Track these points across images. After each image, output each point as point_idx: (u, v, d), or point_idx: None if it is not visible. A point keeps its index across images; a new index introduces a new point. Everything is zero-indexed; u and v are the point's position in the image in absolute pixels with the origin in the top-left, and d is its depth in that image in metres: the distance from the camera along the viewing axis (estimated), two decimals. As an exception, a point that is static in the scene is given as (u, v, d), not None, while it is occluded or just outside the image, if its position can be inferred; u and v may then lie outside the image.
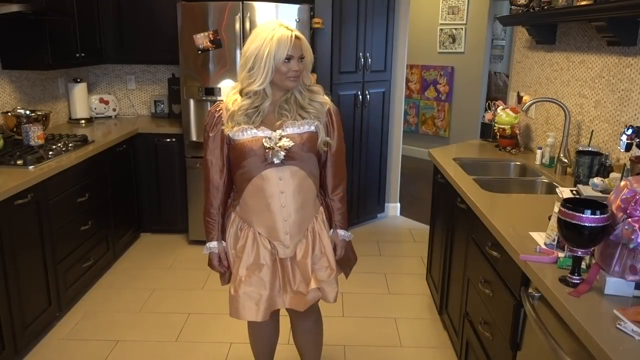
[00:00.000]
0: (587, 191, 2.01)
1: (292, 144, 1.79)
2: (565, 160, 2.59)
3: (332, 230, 2.03)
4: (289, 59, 1.73)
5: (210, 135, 1.87)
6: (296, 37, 1.74)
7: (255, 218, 1.89)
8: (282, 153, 1.78)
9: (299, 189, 1.86)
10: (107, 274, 3.59)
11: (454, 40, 6.50)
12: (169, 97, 4.46)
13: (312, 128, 1.85)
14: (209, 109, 1.91)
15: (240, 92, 1.82)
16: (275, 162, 1.79)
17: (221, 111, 1.85)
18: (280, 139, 1.78)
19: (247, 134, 1.79)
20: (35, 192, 2.62)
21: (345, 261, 2.11)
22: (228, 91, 1.90)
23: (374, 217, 4.76)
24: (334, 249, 2.03)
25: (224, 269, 2.00)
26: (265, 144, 1.78)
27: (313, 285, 1.93)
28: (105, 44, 4.08)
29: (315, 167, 1.94)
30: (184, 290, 3.38)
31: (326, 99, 1.92)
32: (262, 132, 1.80)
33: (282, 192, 1.84)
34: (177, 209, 4.11)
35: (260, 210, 1.87)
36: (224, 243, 1.98)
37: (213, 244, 1.95)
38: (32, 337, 2.69)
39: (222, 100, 1.90)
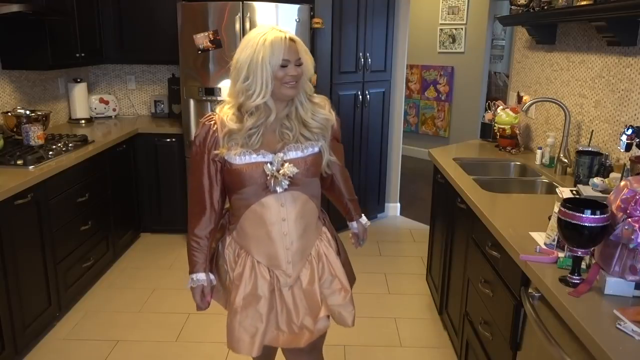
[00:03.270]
0: (587, 191, 2.01)
1: (297, 170, 1.61)
2: (565, 160, 2.59)
3: (353, 221, 1.99)
4: (285, 64, 1.55)
5: (204, 151, 1.64)
6: (290, 39, 1.58)
7: (254, 246, 1.71)
8: (286, 182, 1.61)
9: (301, 215, 1.70)
10: (107, 274, 3.59)
11: (454, 40, 6.50)
12: (169, 97, 4.46)
13: (317, 149, 1.69)
14: (201, 119, 1.67)
15: (239, 108, 1.61)
16: (278, 191, 1.62)
17: (216, 125, 1.62)
18: (282, 164, 1.61)
19: (246, 159, 1.60)
20: (35, 192, 2.62)
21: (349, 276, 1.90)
22: (222, 106, 1.68)
23: (374, 217, 4.76)
24: (359, 237, 2.02)
25: (206, 305, 1.77)
26: (266, 171, 1.60)
27: (322, 313, 1.73)
28: (105, 44, 4.08)
29: (318, 189, 1.78)
30: (184, 290, 3.36)
31: (332, 114, 1.73)
32: (262, 157, 1.61)
33: (283, 219, 1.67)
34: (177, 209, 4.11)
35: (260, 239, 1.69)
36: (211, 276, 1.74)
37: (200, 276, 1.70)
38: (32, 337, 2.69)
39: (213, 112, 1.67)
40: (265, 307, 1.71)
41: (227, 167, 1.63)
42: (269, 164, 1.61)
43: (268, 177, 1.60)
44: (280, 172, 1.60)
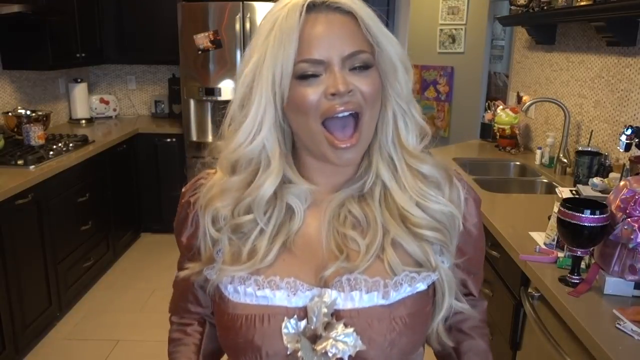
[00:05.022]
0: (586, 191, 2.01)
1: (363, 347, 0.71)
2: (565, 160, 2.59)
3: None
4: (308, 73, 0.70)
5: (182, 253, 0.93)
6: (325, 2, 0.71)
7: None
8: None
9: None
10: (108, 273, 3.59)
11: (453, 41, 6.51)
12: (169, 97, 4.46)
13: (423, 286, 0.76)
14: (184, 189, 0.93)
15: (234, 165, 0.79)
16: None
17: (197, 204, 0.84)
18: (326, 325, 0.72)
19: (247, 295, 0.75)
20: (35, 192, 2.62)
21: None
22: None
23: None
24: None
25: None
26: (284, 339, 0.72)
27: None
28: (105, 44, 4.08)
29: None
30: (184, 290, 3.38)
31: (459, 201, 0.80)
32: (286, 295, 0.74)
33: None
34: (177, 209, 4.11)
35: None
36: None
37: None
38: (33, 336, 2.69)
39: (209, 171, 0.85)
40: None
41: (216, 299, 0.80)
42: (291, 321, 0.72)
43: (288, 352, 0.72)
44: (319, 346, 0.71)
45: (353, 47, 0.71)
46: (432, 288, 0.78)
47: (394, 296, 0.73)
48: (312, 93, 0.70)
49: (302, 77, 0.70)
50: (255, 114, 0.73)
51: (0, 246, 2.38)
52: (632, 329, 1.18)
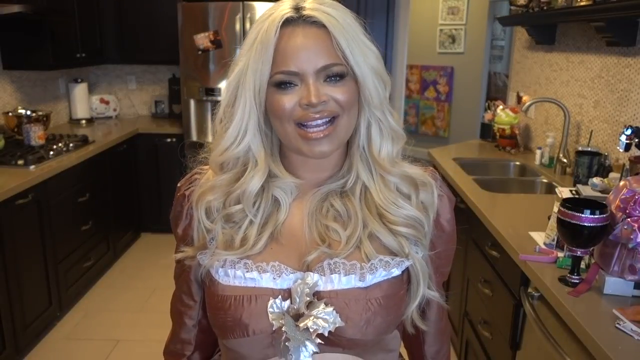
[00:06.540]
0: (586, 191, 2.01)
1: (341, 323, 0.77)
2: (565, 160, 2.59)
3: None
4: (285, 81, 0.77)
5: (177, 240, 0.93)
6: (301, 16, 0.76)
7: None
8: (312, 346, 0.77)
9: None
10: (108, 273, 3.60)
11: (453, 41, 6.51)
12: (170, 97, 4.46)
13: (396, 271, 0.83)
14: (179, 183, 0.96)
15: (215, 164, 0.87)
16: None
17: (191, 196, 0.88)
18: (309, 303, 0.78)
19: (236, 278, 0.81)
20: (35, 192, 2.63)
21: None
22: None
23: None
24: None
25: None
26: (270, 316, 0.78)
27: None
28: (105, 44, 4.09)
29: (395, 345, 0.93)
30: (184, 290, 3.38)
31: (431, 207, 0.86)
32: (272, 277, 0.80)
33: None
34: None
35: None
36: None
37: None
38: (33, 336, 2.70)
39: (202, 167, 0.93)
40: None
41: (208, 284, 0.85)
42: (277, 300, 0.79)
43: (274, 329, 0.79)
44: (301, 323, 0.77)
45: (327, 59, 0.76)
46: (407, 275, 0.85)
47: (370, 279, 0.80)
48: (288, 101, 0.77)
49: (279, 85, 0.77)
50: (240, 119, 0.80)
51: (1, 246, 2.38)
52: (632, 329, 1.18)
